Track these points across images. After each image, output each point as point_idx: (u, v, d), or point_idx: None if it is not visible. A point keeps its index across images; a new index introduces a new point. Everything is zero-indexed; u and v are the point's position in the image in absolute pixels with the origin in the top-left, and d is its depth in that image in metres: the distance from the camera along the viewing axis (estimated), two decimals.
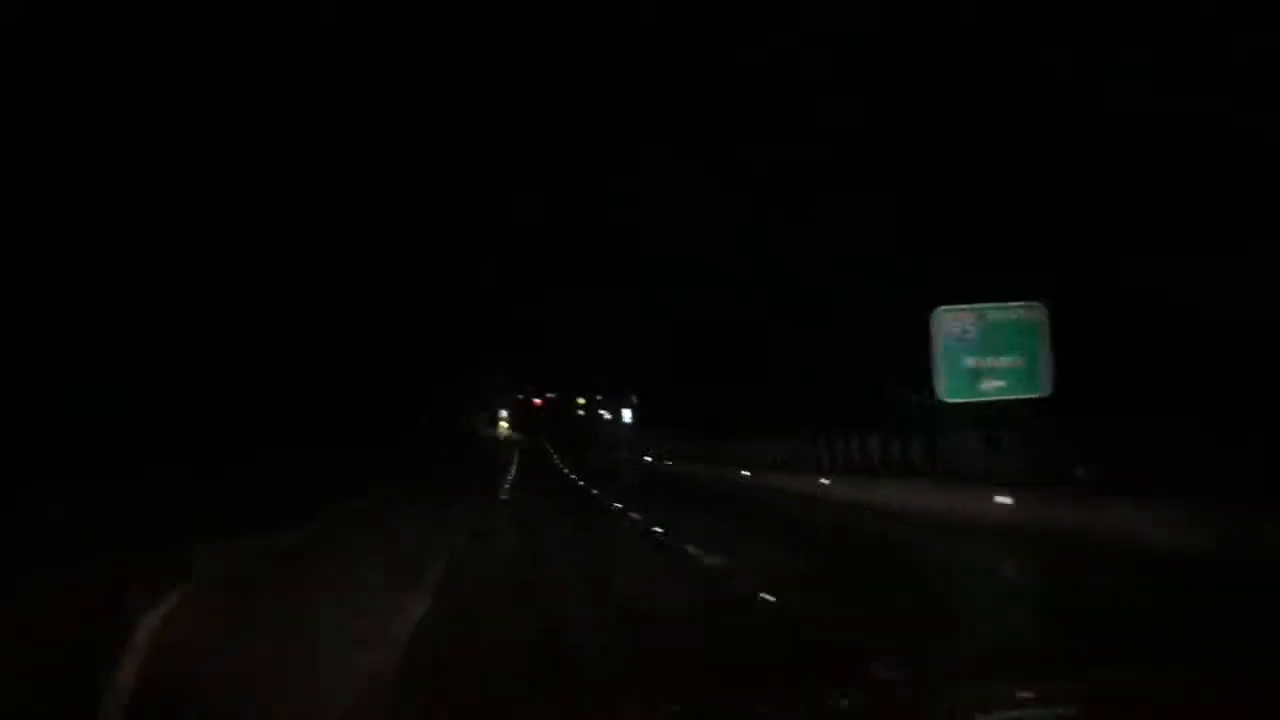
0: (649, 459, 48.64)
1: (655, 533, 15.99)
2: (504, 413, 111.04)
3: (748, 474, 26.95)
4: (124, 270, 24.51)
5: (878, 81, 23.31)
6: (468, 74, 45.22)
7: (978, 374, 18.88)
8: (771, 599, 8.96)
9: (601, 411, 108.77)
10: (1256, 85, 15.62)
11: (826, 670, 6.26)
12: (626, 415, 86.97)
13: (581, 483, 29.87)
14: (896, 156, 23.41)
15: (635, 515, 18.91)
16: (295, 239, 33.60)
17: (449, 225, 55.38)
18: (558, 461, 44.18)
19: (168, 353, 26.09)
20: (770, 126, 29.40)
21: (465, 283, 65.47)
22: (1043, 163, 19.38)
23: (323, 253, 36.73)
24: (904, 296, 22.37)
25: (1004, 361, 19.01)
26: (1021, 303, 19.00)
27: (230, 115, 27.72)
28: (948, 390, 19.01)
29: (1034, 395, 18.74)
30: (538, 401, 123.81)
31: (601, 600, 9.71)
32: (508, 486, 28.77)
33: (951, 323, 19.13)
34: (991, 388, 19.10)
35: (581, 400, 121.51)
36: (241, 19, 26.94)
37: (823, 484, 20.78)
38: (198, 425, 26.78)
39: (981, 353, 19.16)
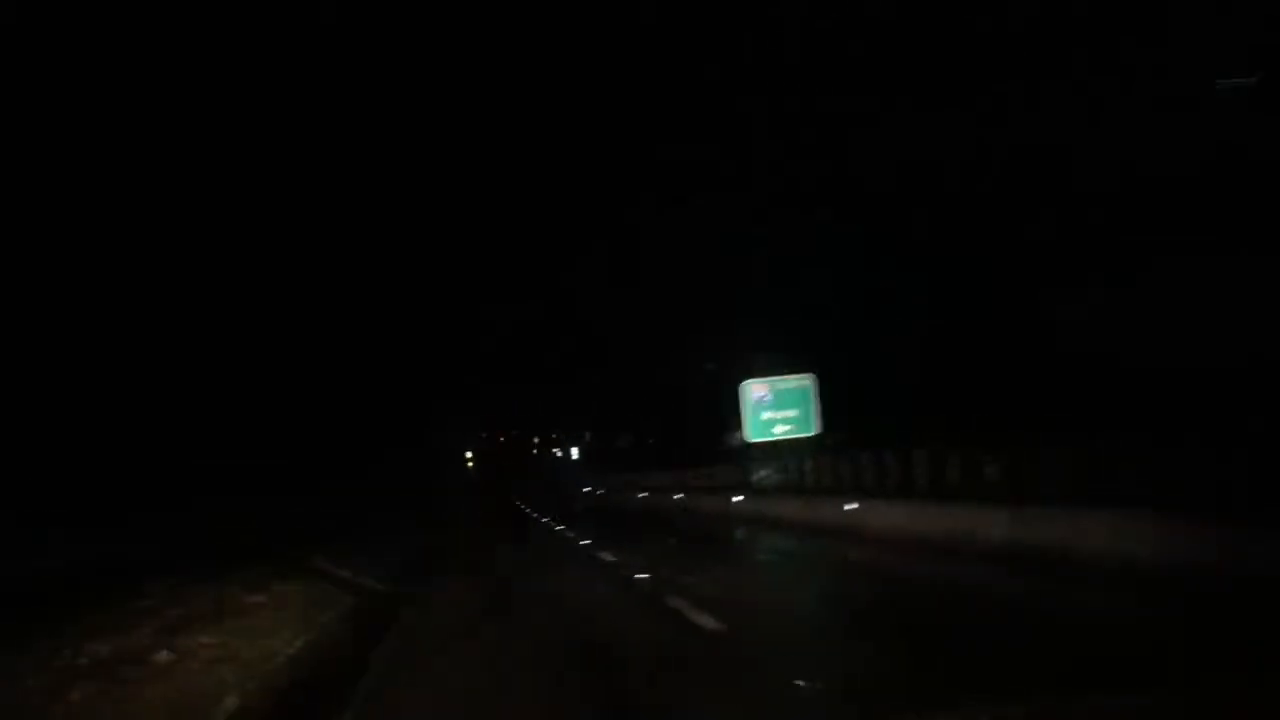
0: (586, 489, 58.94)
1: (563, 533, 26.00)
2: (469, 454, 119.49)
3: (645, 494, 37.23)
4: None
5: None
6: (407, 131, 45.97)
7: (771, 422, 29.30)
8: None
9: (556, 450, 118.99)
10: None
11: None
12: (574, 453, 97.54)
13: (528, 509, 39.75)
14: None
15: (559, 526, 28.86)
16: (237, 278, 31.43)
17: (404, 264, 53.17)
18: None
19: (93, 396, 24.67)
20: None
21: (433, 327, 63.98)
22: None
23: (272, 291, 34.34)
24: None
25: (788, 413, 29.41)
26: (796, 375, 29.47)
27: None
28: (751, 434, 29.37)
29: (809, 435, 29.14)
30: (500, 439, 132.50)
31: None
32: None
33: (754, 390, 29.52)
34: (781, 431, 29.37)
35: (537, 439, 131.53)
36: (239, 23, 27.31)
37: (677, 498, 31.09)
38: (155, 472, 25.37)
39: (773, 408, 29.47)
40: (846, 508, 16.08)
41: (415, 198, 50.53)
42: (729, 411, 30.42)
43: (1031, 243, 19.04)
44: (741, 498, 24.42)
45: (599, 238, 44.93)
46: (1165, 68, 15.86)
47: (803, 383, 29.64)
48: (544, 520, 31.21)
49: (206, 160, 28.40)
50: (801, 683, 6.21)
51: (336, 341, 40.99)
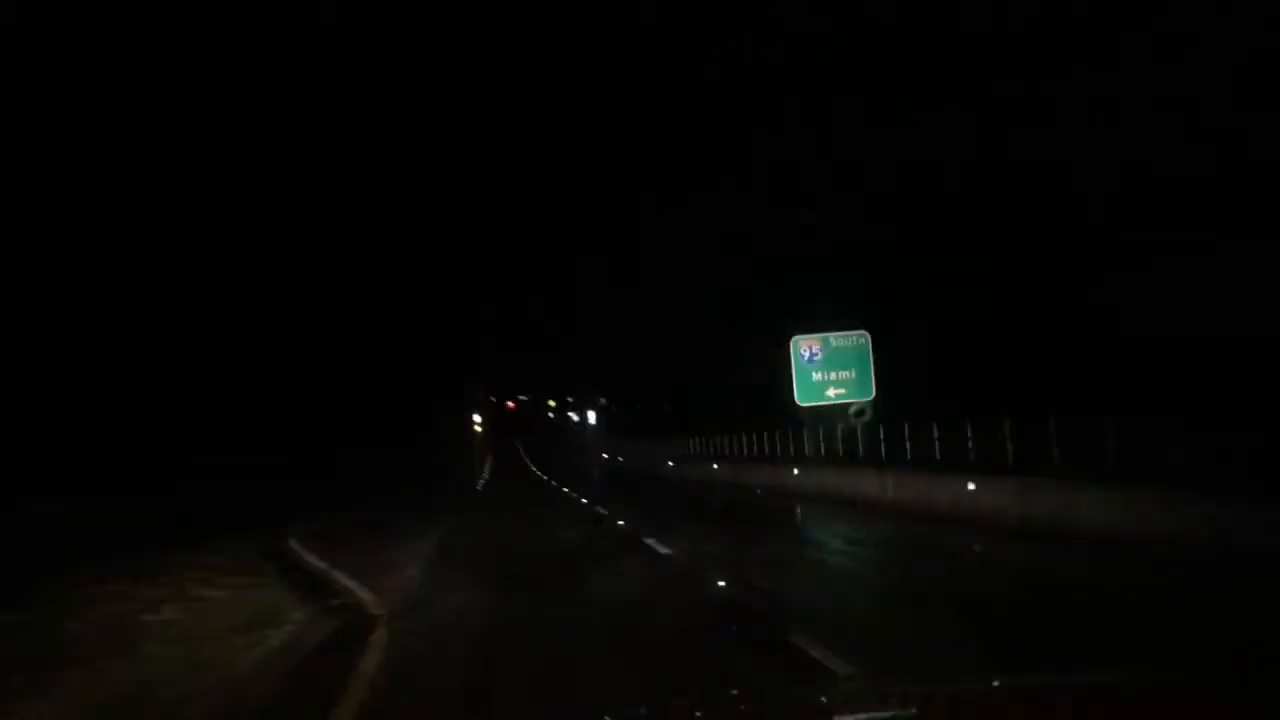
0: (605, 456, 55.83)
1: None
2: (477, 418, 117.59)
3: (671, 464, 34.15)
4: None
5: None
6: (438, 97, 48.14)
7: (823, 385, 25.78)
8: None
9: (571, 414, 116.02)
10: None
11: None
12: (591, 418, 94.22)
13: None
14: None
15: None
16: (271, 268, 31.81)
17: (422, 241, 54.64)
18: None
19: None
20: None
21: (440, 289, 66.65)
22: None
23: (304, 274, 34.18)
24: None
25: (842, 375, 25.87)
26: (854, 332, 25.87)
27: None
28: (800, 396, 25.85)
29: (865, 399, 25.62)
30: (510, 405, 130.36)
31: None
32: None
33: (803, 347, 25.95)
34: (834, 394, 25.87)
35: (552, 403, 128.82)
36: (240, 23, 28.08)
37: (714, 468, 27.74)
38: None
39: (825, 368, 25.95)
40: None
41: (415, 198, 52.33)
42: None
43: (1083, 230, 19.48)
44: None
45: (599, 237, 49.03)
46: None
47: (859, 340, 26.10)
48: (552, 483, 35.72)
49: (207, 159, 29.37)
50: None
51: (346, 333, 40.61)
